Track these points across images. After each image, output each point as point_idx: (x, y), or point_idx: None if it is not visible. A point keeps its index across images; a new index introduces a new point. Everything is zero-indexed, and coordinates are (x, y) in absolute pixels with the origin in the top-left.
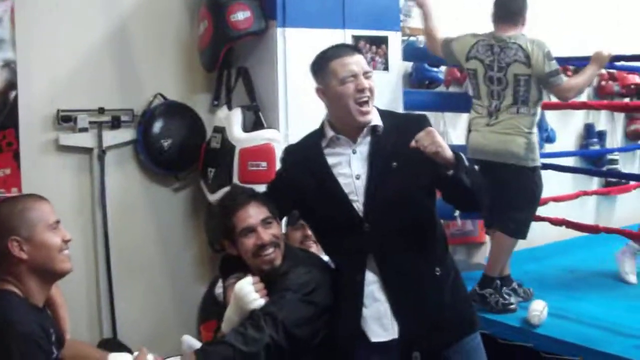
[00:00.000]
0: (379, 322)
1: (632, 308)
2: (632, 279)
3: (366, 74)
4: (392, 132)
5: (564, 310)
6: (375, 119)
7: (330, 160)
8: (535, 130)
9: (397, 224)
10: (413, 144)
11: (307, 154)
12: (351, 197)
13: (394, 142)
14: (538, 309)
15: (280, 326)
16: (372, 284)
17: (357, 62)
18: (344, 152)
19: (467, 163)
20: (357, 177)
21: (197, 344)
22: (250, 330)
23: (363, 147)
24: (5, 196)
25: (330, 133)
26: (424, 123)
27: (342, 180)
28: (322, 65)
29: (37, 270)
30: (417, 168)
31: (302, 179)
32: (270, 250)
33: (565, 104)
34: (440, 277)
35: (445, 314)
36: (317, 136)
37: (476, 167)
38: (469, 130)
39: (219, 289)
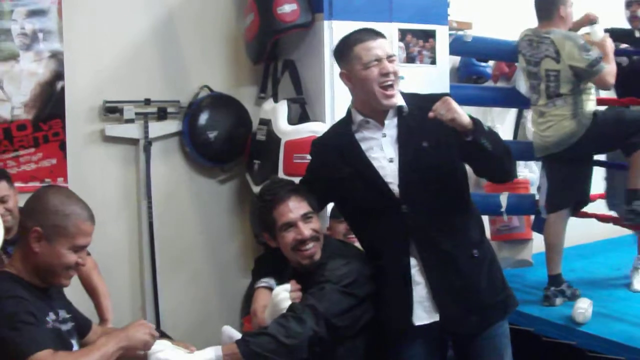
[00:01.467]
0: (422, 305)
1: None
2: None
3: (390, 58)
4: (418, 112)
5: (609, 309)
6: (400, 101)
7: (363, 145)
8: (581, 109)
9: (434, 204)
10: (431, 114)
11: (339, 142)
12: (387, 179)
13: (421, 122)
14: (583, 306)
15: (321, 318)
16: (412, 267)
17: (380, 46)
18: (374, 136)
19: (485, 128)
20: (391, 160)
21: (237, 335)
22: (292, 323)
23: (392, 129)
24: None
25: (359, 117)
26: None
27: (376, 164)
28: (345, 50)
29: (38, 268)
30: (447, 146)
31: (336, 167)
32: (311, 245)
33: (620, 100)
34: (477, 259)
35: (482, 297)
36: (345, 123)
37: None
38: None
39: None
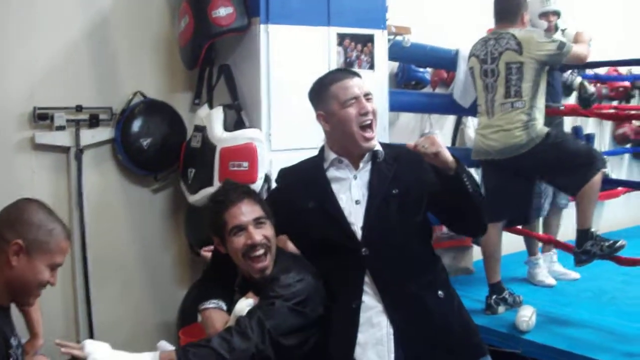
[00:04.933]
0: (374, 349)
1: (622, 314)
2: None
3: (367, 96)
4: (393, 160)
5: (553, 316)
6: (377, 145)
7: (332, 184)
8: (534, 121)
9: (396, 249)
10: (411, 145)
11: (308, 176)
12: (350, 220)
13: (395, 170)
14: (527, 314)
15: (267, 336)
16: (369, 309)
17: (358, 85)
18: (344, 176)
19: (467, 170)
20: (357, 202)
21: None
22: (236, 338)
23: (364, 173)
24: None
25: (332, 155)
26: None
27: (341, 204)
28: (322, 90)
29: (10, 284)
30: (417, 196)
31: (301, 200)
32: (261, 251)
33: (555, 111)
34: (444, 300)
35: (451, 339)
36: (317, 159)
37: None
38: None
39: None
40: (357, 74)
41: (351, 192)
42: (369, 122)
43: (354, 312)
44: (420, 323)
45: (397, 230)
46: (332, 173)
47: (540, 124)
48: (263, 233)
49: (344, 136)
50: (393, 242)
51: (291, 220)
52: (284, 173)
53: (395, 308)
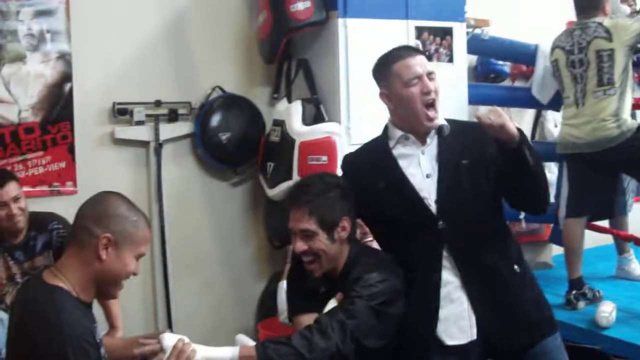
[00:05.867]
0: (456, 324)
1: None
2: None
3: (430, 75)
4: (458, 134)
5: (634, 312)
6: (441, 120)
7: (399, 161)
8: (624, 114)
9: (471, 221)
10: (478, 114)
11: (374, 156)
12: (422, 194)
13: (462, 142)
14: (607, 310)
15: (348, 336)
16: (448, 284)
17: (420, 64)
18: (412, 152)
19: (530, 143)
20: (428, 176)
21: (252, 344)
22: (316, 337)
23: (431, 147)
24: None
25: (398, 133)
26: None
27: (412, 180)
28: (384, 69)
29: (99, 277)
30: (487, 166)
31: (370, 180)
32: (308, 259)
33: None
34: (519, 274)
35: (527, 313)
36: (381, 139)
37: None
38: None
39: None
40: (420, 51)
41: (421, 167)
42: (431, 101)
43: (434, 286)
44: (496, 298)
45: (471, 201)
46: (398, 150)
47: (629, 117)
48: (309, 245)
49: (407, 114)
50: (468, 213)
51: (363, 203)
52: (348, 158)
53: (472, 282)
